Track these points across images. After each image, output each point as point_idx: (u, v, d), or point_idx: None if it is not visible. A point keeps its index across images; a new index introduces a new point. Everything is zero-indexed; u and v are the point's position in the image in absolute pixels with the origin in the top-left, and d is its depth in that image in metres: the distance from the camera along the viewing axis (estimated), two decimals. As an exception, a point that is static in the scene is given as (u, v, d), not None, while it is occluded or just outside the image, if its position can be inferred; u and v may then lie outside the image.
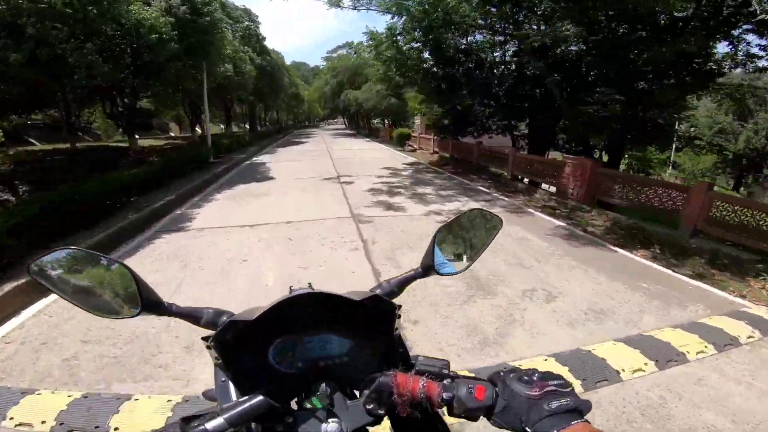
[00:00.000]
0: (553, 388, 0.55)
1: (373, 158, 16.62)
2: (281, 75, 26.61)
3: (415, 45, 13.29)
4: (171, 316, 0.74)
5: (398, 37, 13.07)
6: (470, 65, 14.10)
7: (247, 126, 32.14)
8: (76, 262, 0.72)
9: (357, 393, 0.72)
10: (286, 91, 29.62)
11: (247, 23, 22.05)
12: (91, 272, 0.72)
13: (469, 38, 13.81)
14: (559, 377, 0.57)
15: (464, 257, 0.91)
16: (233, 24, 21.94)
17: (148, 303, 0.71)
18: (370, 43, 14.30)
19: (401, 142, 21.26)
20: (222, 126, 29.07)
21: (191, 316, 0.75)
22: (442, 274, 0.86)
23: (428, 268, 0.85)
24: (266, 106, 37.71)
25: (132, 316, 0.71)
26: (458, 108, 15.89)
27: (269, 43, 28.09)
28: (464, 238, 0.92)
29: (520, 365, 2.33)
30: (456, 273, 0.88)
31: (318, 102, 41.39)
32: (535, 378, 0.57)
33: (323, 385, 0.67)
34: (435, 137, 18.80)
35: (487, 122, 15.44)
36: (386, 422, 0.68)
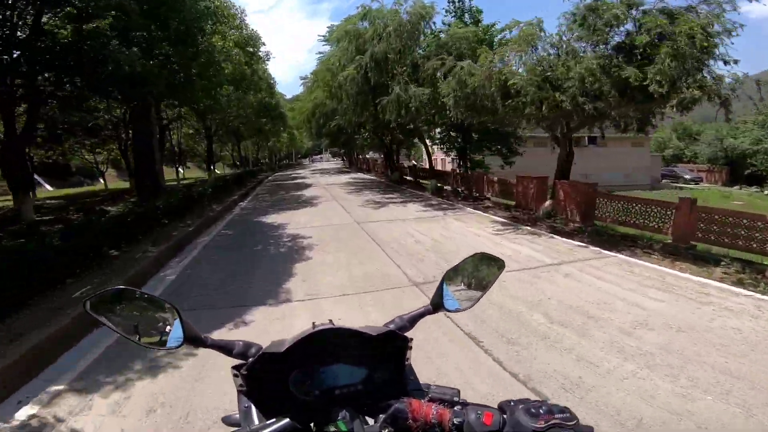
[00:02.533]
0: (558, 421, 0.57)
1: None
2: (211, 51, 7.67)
3: None
4: (208, 347, 0.80)
5: None
6: None
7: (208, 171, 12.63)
8: (126, 299, 0.80)
9: (370, 419, 0.73)
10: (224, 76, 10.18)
11: None
12: (140, 309, 0.80)
13: None
14: (565, 410, 0.60)
15: (470, 295, 0.97)
16: None
17: (189, 336, 0.78)
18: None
19: None
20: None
21: (225, 348, 0.81)
22: (449, 311, 0.93)
23: (437, 305, 0.92)
24: (207, 128, 18.25)
25: (175, 348, 0.78)
26: None
27: None
28: (470, 278, 0.99)
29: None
30: (462, 309, 0.95)
31: (310, 122, 22.20)
32: (541, 411, 0.60)
33: (344, 411, 0.70)
34: None
35: None
36: None
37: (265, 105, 21.27)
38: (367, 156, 38.47)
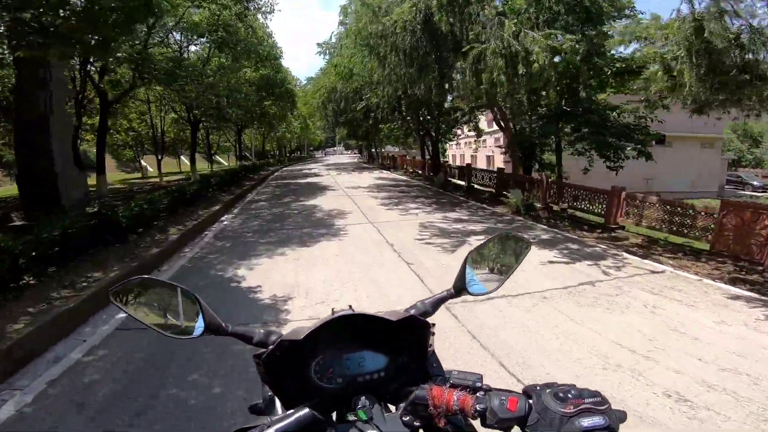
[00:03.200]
0: (588, 405, 0.54)
1: None
2: None
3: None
4: (228, 336, 0.80)
5: None
6: None
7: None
8: (149, 288, 0.79)
9: (393, 407, 0.73)
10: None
11: None
12: (162, 298, 0.79)
13: None
14: (596, 394, 0.56)
15: (494, 278, 0.92)
16: None
17: (210, 325, 0.77)
18: None
19: None
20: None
21: (245, 336, 0.80)
22: (473, 294, 0.88)
23: (460, 289, 0.88)
24: (188, 109, 13.51)
25: (196, 336, 0.77)
26: None
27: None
28: (494, 260, 0.93)
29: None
30: (486, 293, 0.90)
31: (326, 107, 17.61)
32: (570, 395, 0.56)
33: (363, 398, 0.69)
34: None
35: None
36: None
37: (268, 80, 16.22)
38: (382, 150, 32.97)
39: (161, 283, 0.80)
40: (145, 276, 0.80)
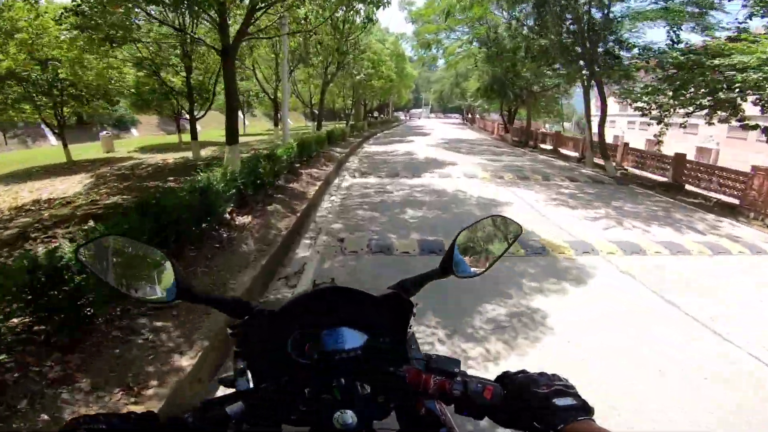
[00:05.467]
0: (560, 387, 0.55)
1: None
2: None
3: None
4: (201, 303, 0.75)
5: None
6: None
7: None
8: (118, 249, 0.73)
9: (368, 387, 0.70)
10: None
11: None
12: (133, 259, 0.74)
13: None
14: (565, 380, 0.58)
15: (482, 261, 0.89)
16: None
17: (183, 290, 0.71)
18: None
19: None
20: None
21: (220, 303, 0.76)
22: (459, 276, 0.86)
23: (446, 269, 0.85)
24: None
25: (168, 301, 0.73)
26: None
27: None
28: (484, 242, 0.91)
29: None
30: (473, 275, 0.87)
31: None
32: (543, 378, 0.57)
33: (339, 377, 0.67)
34: None
35: None
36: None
37: None
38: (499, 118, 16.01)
39: (132, 243, 0.75)
40: (116, 235, 0.74)
